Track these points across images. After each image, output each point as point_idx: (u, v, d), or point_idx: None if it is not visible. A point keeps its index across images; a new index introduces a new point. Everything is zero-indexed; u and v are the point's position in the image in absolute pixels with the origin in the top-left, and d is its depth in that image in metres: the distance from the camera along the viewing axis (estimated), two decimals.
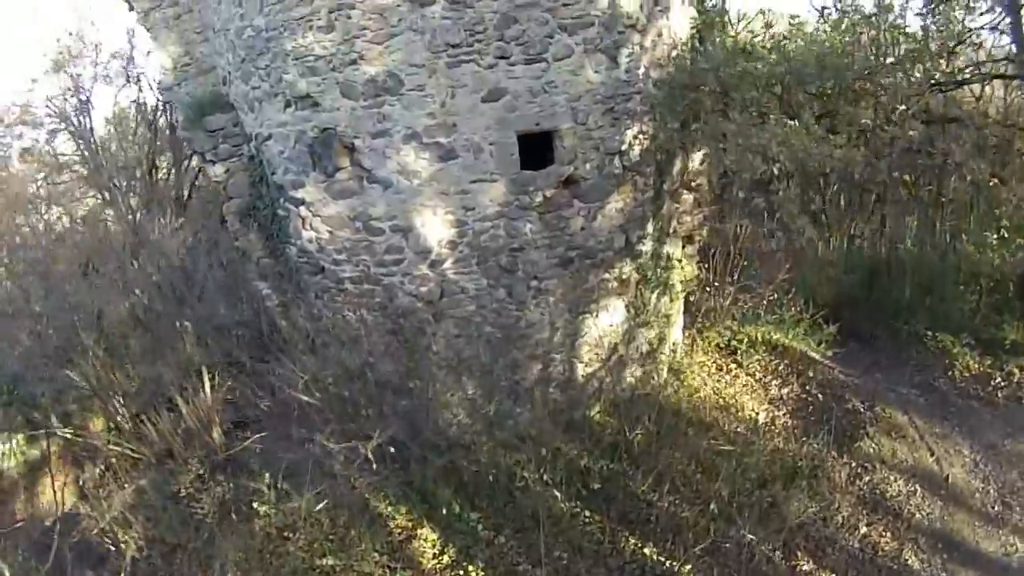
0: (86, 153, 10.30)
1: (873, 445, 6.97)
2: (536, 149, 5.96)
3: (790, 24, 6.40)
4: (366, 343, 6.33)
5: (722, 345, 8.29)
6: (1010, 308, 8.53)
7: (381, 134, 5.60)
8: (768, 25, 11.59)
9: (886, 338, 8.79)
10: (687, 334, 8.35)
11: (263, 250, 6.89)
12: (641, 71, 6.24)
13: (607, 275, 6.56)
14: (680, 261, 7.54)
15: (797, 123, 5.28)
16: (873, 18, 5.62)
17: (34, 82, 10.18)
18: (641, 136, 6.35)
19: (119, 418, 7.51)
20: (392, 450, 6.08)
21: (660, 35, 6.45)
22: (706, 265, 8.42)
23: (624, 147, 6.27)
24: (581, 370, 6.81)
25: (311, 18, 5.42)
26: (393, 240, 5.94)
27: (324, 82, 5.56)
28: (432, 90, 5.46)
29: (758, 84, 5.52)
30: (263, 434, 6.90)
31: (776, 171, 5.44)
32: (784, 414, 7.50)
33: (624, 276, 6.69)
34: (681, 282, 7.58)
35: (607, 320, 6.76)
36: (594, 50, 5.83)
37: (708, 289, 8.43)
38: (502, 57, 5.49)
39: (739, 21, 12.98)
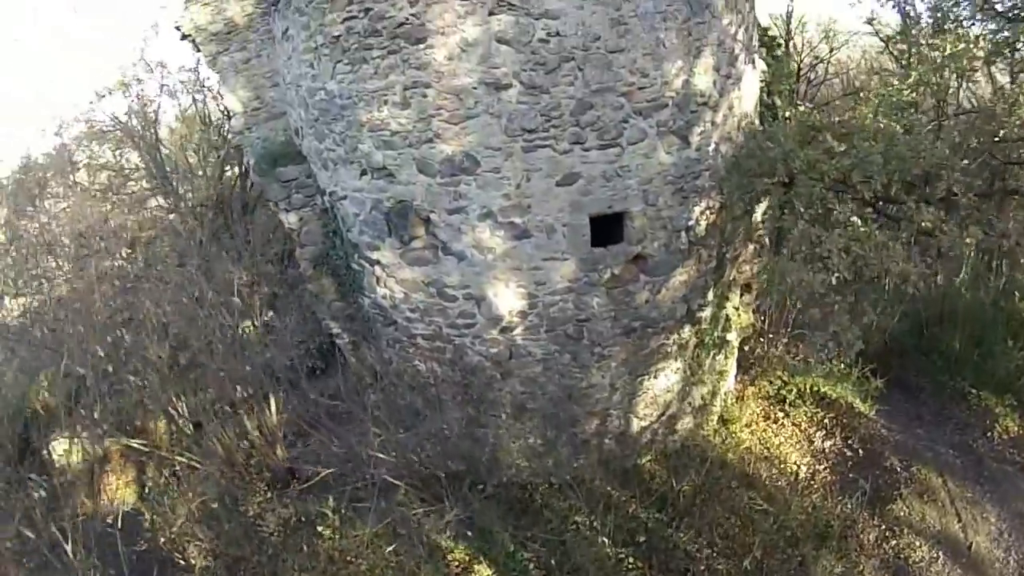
0: (152, 165, 10.78)
1: (905, 508, 7.32)
2: (606, 226, 6.21)
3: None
4: (435, 390, 6.83)
5: (771, 393, 8.61)
6: None
7: (457, 211, 5.93)
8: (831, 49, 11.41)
9: (931, 391, 8.97)
10: (739, 379, 8.67)
11: (335, 294, 7.34)
12: (711, 148, 6.39)
13: (667, 340, 6.90)
14: (737, 309, 7.77)
15: (860, 224, 5.43)
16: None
17: (100, 98, 10.50)
18: (708, 212, 6.53)
19: (181, 423, 7.97)
20: (455, 487, 6.68)
21: (731, 107, 6.55)
22: (761, 313, 8.63)
23: (691, 223, 6.47)
24: (636, 424, 7.25)
25: (386, 93, 5.69)
26: (466, 307, 6.34)
27: (400, 156, 5.87)
28: (508, 173, 5.74)
29: (825, 177, 5.63)
30: (331, 470, 7.42)
31: (835, 281, 5.59)
32: (825, 468, 7.86)
33: (683, 340, 7.01)
34: (738, 330, 7.85)
35: (664, 380, 7.14)
36: (667, 132, 6.00)
37: (762, 338, 8.67)
38: (577, 142, 5.71)
39: (802, 52, 12.67)
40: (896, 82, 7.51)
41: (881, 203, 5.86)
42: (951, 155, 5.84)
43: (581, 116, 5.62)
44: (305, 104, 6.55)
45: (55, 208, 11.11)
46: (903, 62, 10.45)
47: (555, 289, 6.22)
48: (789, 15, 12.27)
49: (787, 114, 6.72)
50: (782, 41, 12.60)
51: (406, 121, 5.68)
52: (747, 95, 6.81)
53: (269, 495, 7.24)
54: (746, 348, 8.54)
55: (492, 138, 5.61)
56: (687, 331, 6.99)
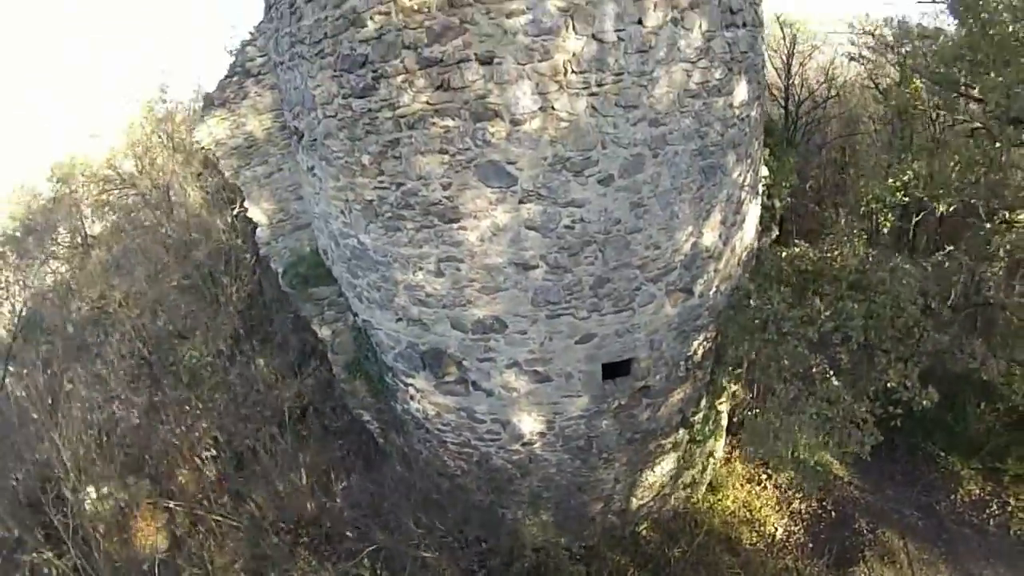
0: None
1: (865, 570, 8.63)
2: (615, 364, 7.04)
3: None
4: (462, 479, 8.00)
5: (756, 456, 9.70)
6: (1020, 440, 9.56)
7: (487, 360, 6.79)
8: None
9: (904, 451, 10.05)
10: (728, 442, 9.75)
11: (367, 394, 8.28)
12: (712, 291, 7.06)
13: (664, 441, 7.93)
14: (727, 388, 8.69)
15: (835, 383, 6.32)
16: None
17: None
18: (705, 342, 7.32)
19: (205, 470, 8.60)
20: (480, 558, 8.02)
21: (734, 249, 7.15)
22: (751, 385, 9.54)
23: (690, 354, 7.28)
24: (635, 503, 8.47)
25: (420, 261, 6.37)
26: (492, 427, 7.36)
27: (435, 314, 6.66)
28: (533, 334, 6.54)
29: (810, 337, 6.43)
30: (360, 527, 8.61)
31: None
32: (800, 529, 9.16)
33: (678, 440, 8.03)
34: (728, 402, 8.83)
35: (660, 469, 8.29)
36: (674, 290, 6.69)
37: (751, 409, 9.63)
38: (595, 311, 6.45)
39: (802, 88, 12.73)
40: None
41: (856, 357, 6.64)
42: (923, 316, 6.61)
43: (599, 289, 6.33)
44: (335, 240, 7.18)
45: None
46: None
47: (570, 416, 7.19)
48: (789, 62, 12.31)
49: (783, 254, 7.30)
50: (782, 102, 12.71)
51: (440, 287, 6.40)
52: (749, 229, 7.38)
53: (299, 543, 8.26)
54: (734, 419, 9.53)
55: (519, 307, 6.36)
56: (682, 432, 7.99)
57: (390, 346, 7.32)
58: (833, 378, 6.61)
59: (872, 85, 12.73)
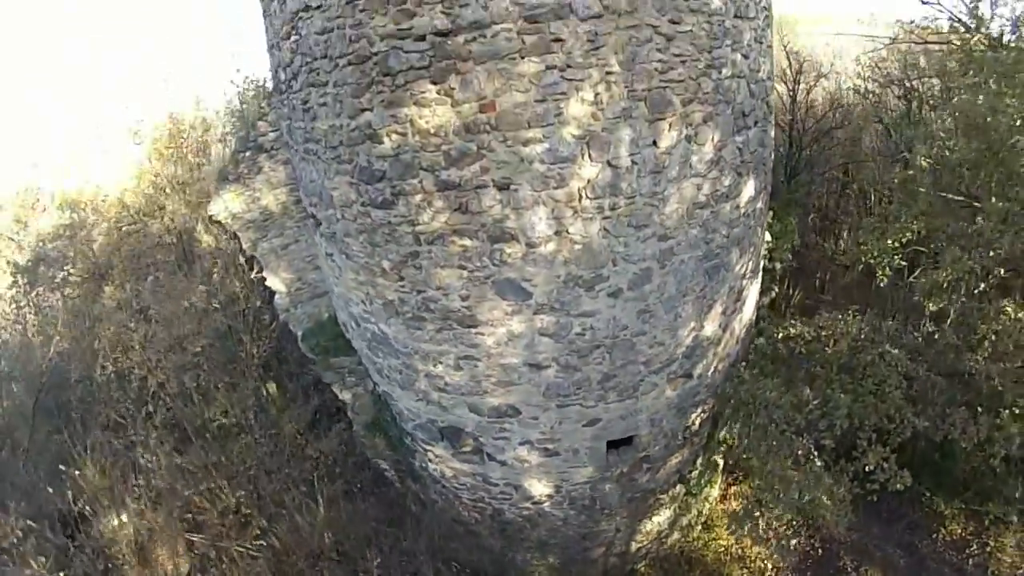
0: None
1: None
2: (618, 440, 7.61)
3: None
4: (475, 527, 8.73)
5: (751, 494, 10.35)
6: (1004, 481, 10.11)
7: (501, 438, 7.37)
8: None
9: (891, 490, 10.64)
10: (724, 480, 10.40)
11: (387, 449, 8.90)
12: (711, 371, 7.52)
13: (662, 496, 8.57)
14: (722, 444, 9.31)
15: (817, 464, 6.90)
16: None
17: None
18: (702, 413, 7.84)
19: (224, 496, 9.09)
20: None
21: (732, 332, 7.56)
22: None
23: (688, 424, 7.81)
24: (634, 546, 9.19)
25: (440, 357, 6.84)
26: (505, 489, 8.03)
27: (454, 400, 7.20)
28: (544, 419, 7.09)
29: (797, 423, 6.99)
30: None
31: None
32: (788, 567, 9.88)
33: (675, 494, 8.67)
34: (723, 456, 9.46)
35: (658, 518, 8.92)
36: (675, 377, 7.15)
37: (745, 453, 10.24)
38: (601, 400, 6.94)
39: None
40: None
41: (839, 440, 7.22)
42: (906, 403, 7.14)
43: (606, 383, 6.82)
44: (356, 321, 7.65)
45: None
46: None
47: (576, 482, 7.84)
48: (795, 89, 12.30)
49: (779, 334, 7.71)
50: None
51: (459, 379, 6.91)
52: (748, 309, 7.78)
53: None
54: (730, 461, 10.13)
55: (532, 398, 6.88)
56: (679, 488, 8.62)
57: (410, 418, 7.89)
58: (816, 458, 7.13)
59: (877, 120, 12.72)
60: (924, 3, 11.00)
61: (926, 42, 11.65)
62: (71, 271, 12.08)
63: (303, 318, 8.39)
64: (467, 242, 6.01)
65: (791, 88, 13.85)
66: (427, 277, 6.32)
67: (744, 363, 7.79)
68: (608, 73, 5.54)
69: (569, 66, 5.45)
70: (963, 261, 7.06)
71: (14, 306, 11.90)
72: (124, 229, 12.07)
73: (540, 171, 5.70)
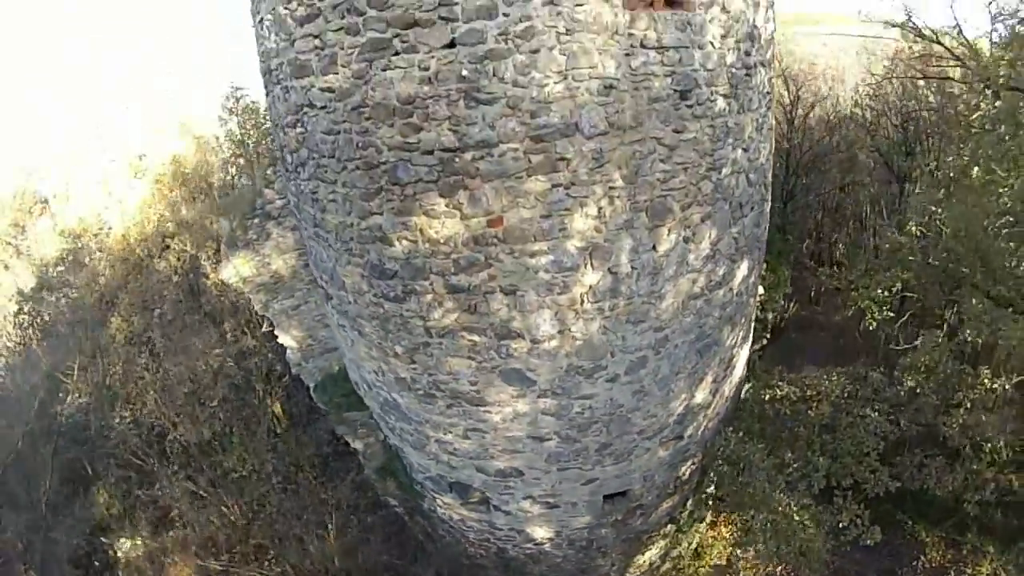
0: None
1: None
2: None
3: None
4: (479, 562, 9.48)
5: (741, 523, 11.04)
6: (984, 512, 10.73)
7: (506, 494, 8.02)
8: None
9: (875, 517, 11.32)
10: (714, 506, 11.07)
11: (396, 489, 9.51)
12: (701, 430, 8.06)
13: (654, 535, 9.26)
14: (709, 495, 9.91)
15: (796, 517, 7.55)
16: None
17: None
18: (692, 464, 8.41)
19: (233, 518, 9.87)
20: None
21: (723, 395, 8.04)
22: None
23: (679, 475, 8.40)
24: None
25: (450, 428, 7.38)
26: (509, 533, 8.73)
27: (462, 463, 7.78)
28: (545, 480, 7.72)
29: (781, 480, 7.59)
30: None
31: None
32: None
33: (666, 532, 9.35)
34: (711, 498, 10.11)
35: (651, 553, 9.67)
36: (667, 440, 7.70)
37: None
38: (598, 464, 7.50)
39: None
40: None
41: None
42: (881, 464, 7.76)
43: (603, 451, 7.36)
44: (368, 384, 8.18)
45: None
46: None
47: (574, 528, 8.53)
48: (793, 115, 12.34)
49: (766, 395, 8.20)
50: None
51: (468, 446, 7.48)
52: (738, 370, 8.25)
53: None
54: (720, 490, 10.77)
55: (535, 463, 7.48)
56: (669, 527, 9.29)
57: (420, 471, 8.49)
58: (795, 514, 7.73)
59: (874, 149, 12.78)
60: (894, 26, 10.97)
61: (924, 76, 11.65)
62: (72, 294, 12.55)
63: (315, 371, 8.88)
64: (476, 338, 6.44)
65: (789, 113, 13.83)
66: (438, 364, 6.77)
67: (732, 423, 8.31)
68: (611, 188, 5.84)
69: (574, 183, 5.75)
70: (943, 345, 7.44)
71: (19, 336, 12.44)
72: (130, 261, 12.44)
73: (545, 279, 6.06)
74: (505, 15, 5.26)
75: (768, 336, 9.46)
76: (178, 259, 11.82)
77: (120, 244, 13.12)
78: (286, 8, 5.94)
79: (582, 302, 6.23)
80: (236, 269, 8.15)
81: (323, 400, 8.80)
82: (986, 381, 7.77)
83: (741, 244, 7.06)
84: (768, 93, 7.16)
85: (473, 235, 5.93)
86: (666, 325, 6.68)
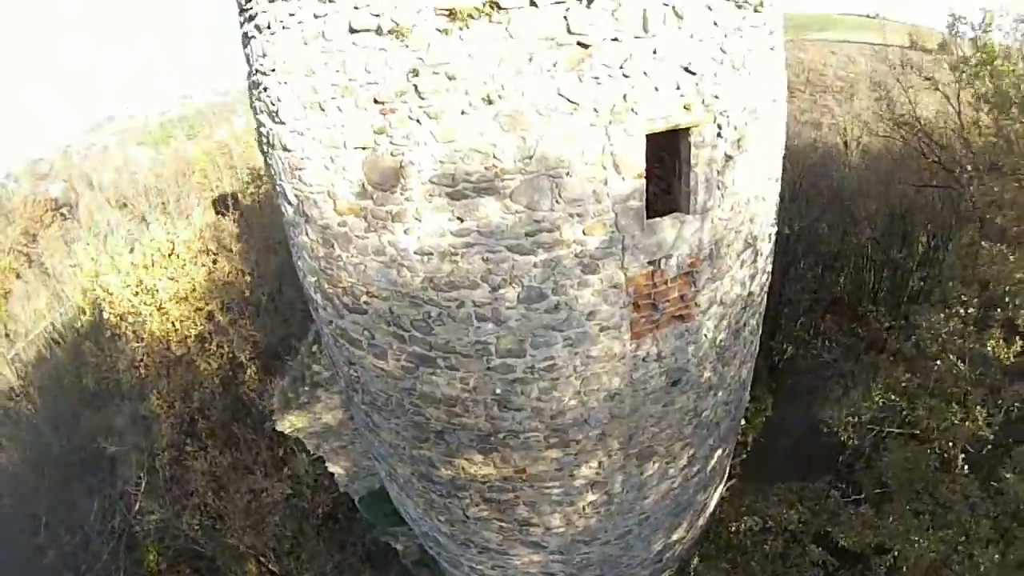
0: None
1: None
2: None
3: None
4: None
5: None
6: None
7: None
8: None
9: None
10: None
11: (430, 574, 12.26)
12: (676, 553, 10.51)
13: None
14: None
15: None
16: None
17: None
18: (669, 571, 11.01)
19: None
20: None
21: (697, 527, 10.36)
22: None
23: None
24: None
25: (479, 564, 9.80)
26: None
27: None
28: None
29: None
30: None
31: None
32: None
33: None
34: None
35: None
36: (648, 564, 10.17)
37: None
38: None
39: None
40: None
41: None
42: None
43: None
44: (410, 516, 10.38)
45: None
46: None
47: None
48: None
49: (731, 528, 10.47)
50: None
51: (497, 572, 9.93)
52: (712, 503, 10.40)
53: None
54: None
55: None
56: None
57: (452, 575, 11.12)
58: None
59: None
60: None
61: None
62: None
63: (361, 490, 11.09)
64: (504, 523, 8.59)
65: (795, 186, 14.30)
66: (472, 533, 8.99)
67: (703, 543, 10.69)
68: (610, 451, 7.59)
69: (580, 452, 7.49)
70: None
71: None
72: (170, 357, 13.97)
73: (556, 499, 8.06)
74: (532, 355, 6.67)
75: (748, 451, 11.43)
76: (218, 365, 13.37)
77: (159, 343, 14.37)
78: (332, 289, 7.21)
79: (584, 509, 8.27)
80: (291, 423, 10.06)
81: (368, 512, 11.14)
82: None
83: (718, 443, 8.87)
84: (752, 342, 8.48)
85: (503, 475, 7.82)
86: (649, 511, 8.76)
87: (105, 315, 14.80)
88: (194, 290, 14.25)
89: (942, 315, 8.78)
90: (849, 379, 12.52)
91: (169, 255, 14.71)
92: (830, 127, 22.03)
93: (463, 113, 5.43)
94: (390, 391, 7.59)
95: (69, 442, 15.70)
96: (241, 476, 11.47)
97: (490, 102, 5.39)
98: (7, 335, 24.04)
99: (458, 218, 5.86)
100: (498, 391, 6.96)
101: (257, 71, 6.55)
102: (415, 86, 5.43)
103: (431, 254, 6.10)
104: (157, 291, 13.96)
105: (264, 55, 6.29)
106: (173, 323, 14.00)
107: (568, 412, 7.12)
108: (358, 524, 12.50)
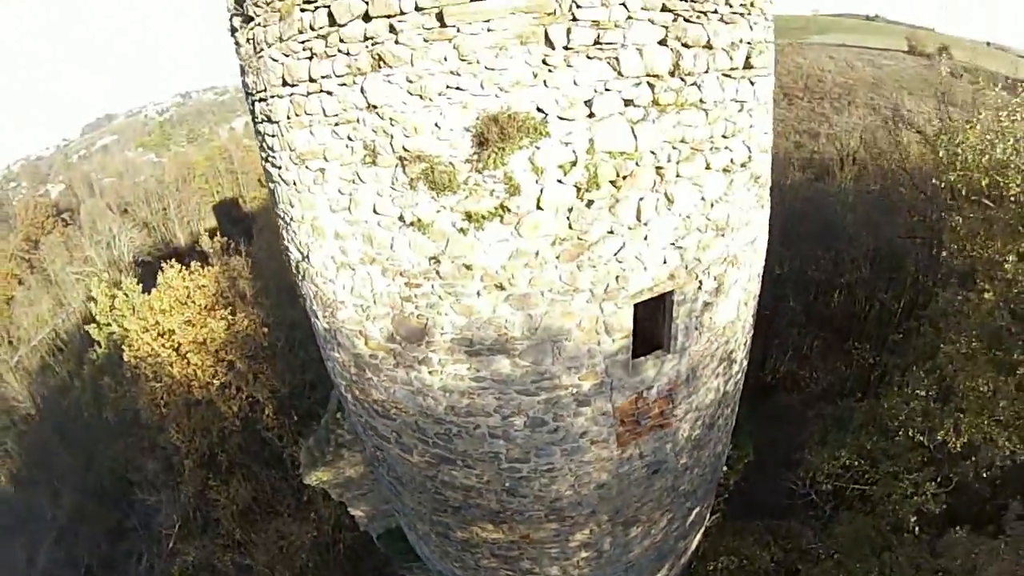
0: None
1: None
2: None
3: None
4: None
5: None
6: None
7: None
8: None
9: None
10: None
11: None
12: None
13: None
14: None
15: None
16: None
17: None
18: None
19: None
20: None
21: (680, 565, 12.02)
22: None
23: None
24: None
25: None
26: None
27: None
28: None
29: None
30: None
31: None
32: None
33: None
34: None
35: None
36: None
37: None
38: None
39: None
40: None
41: None
42: None
43: None
44: (426, 556, 12.05)
45: None
46: None
47: None
48: None
49: (709, 567, 12.10)
50: None
51: None
52: (694, 543, 12.02)
53: None
54: None
55: None
56: None
57: None
58: None
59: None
60: None
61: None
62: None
63: (379, 528, 12.65)
64: (510, 572, 10.20)
65: (786, 228, 15.23)
66: (480, 568, 10.63)
67: None
68: (599, 523, 9.07)
69: (573, 527, 8.99)
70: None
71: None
72: (192, 395, 15.25)
73: (555, 555, 9.65)
74: (535, 461, 8.05)
75: (730, 490, 12.90)
76: (239, 407, 14.60)
77: (180, 386, 15.46)
78: (363, 396, 8.57)
79: (578, 563, 9.86)
80: (317, 477, 11.55)
81: (387, 549, 12.80)
82: None
83: (695, 504, 10.32)
84: (727, 425, 9.77)
85: (510, 539, 9.35)
86: (634, 560, 10.33)
87: (124, 356, 15.97)
88: (213, 340, 15.37)
89: (899, 399, 10.10)
90: (829, 421, 13.90)
91: (184, 303, 15.70)
92: (827, 137, 22.61)
93: (478, 295, 6.61)
94: (414, 475, 9.04)
95: (91, 472, 17.35)
96: (265, 513, 13.10)
97: (502, 288, 6.54)
98: (10, 342, 25.23)
99: (475, 368, 7.11)
100: (507, 484, 8.39)
101: (284, 213, 7.57)
102: (436, 271, 6.57)
103: (452, 391, 7.39)
104: (175, 333, 15.13)
105: (292, 205, 7.33)
106: (195, 370, 15.24)
107: (564, 498, 8.56)
108: (377, 558, 14.26)
